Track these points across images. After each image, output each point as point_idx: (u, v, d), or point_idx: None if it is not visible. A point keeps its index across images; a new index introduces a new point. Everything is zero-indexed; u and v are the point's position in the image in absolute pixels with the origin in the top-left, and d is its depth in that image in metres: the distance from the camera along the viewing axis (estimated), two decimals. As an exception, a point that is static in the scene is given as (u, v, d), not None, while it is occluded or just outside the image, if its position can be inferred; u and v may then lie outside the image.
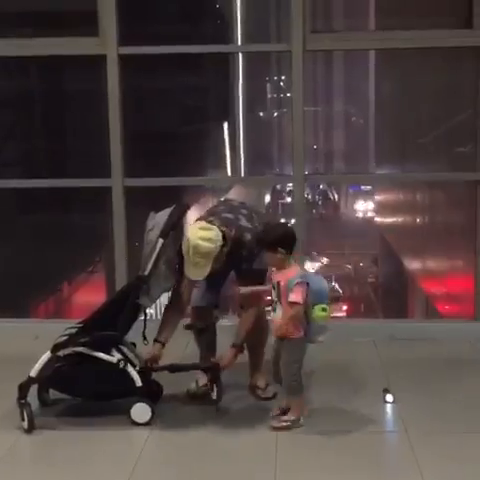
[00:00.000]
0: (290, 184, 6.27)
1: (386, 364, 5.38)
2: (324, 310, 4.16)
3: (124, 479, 3.77)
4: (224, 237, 4.32)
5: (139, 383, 4.37)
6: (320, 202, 54.29)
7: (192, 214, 4.84)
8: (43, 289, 12.64)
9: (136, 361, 4.48)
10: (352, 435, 4.24)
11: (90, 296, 13.62)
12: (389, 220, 33.40)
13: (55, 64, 8.59)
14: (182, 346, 5.19)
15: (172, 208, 4.49)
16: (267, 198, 44.57)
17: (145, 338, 4.54)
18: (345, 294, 32.86)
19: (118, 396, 4.47)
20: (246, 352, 4.75)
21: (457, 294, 15.96)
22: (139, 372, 4.39)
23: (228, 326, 4.98)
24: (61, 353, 4.42)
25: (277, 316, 4.28)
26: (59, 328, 4.55)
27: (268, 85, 57.01)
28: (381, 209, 38.46)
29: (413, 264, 22.45)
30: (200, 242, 4.23)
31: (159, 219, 4.44)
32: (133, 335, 4.54)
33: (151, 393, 4.48)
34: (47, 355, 4.39)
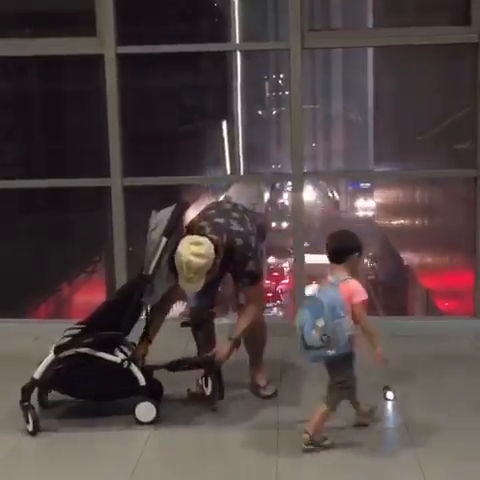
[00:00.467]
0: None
1: (387, 361, 5.37)
2: None
3: (125, 479, 3.77)
4: (216, 248, 4.29)
5: (143, 382, 4.37)
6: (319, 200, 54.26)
7: (191, 212, 4.83)
8: (43, 289, 12.64)
9: (138, 361, 4.48)
10: (353, 432, 4.24)
11: (90, 296, 13.62)
12: (388, 217, 33.41)
13: (53, 64, 8.59)
14: (182, 345, 5.19)
15: (174, 206, 4.48)
16: (264, 197, 44.60)
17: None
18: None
19: (122, 396, 4.47)
20: (246, 351, 4.75)
21: (457, 291, 15.96)
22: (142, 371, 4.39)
23: (227, 325, 4.98)
24: (61, 355, 4.40)
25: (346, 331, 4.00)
26: (59, 328, 4.55)
27: (266, 83, 57.02)
28: (380, 206, 38.47)
29: (413, 261, 22.45)
30: (192, 258, 4.20)
31: (161, 217, 4.43)
32: (131, 335, 4.54)
33: (153, 392, 4.48)
34: (51, 357, 4.37)
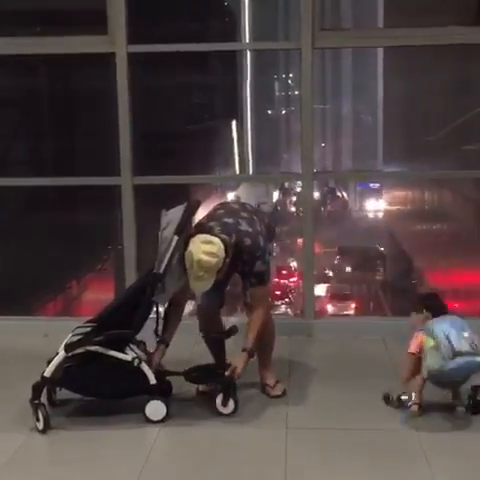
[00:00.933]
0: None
1: (395, 362, 5.38)
2: None
3: (134, 477, 3.78)
4: (225, 248, 4.31)
5: (153, 381, 4.37)
6: (328, 200, 54.23)
7: (202, 211, 4.83)
8: (52, 287, 12.68)
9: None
10: (362, 433, 4.23)
11: (99, 294, 13.66)
12: (397, 217, 33.36)
13: (64, 63, 8.61)
14: (190, 344, 5.20)
15: (185, 205, 4.49)
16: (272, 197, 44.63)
17: (158, 336, 4.54)
18: (353, 292, 32.83)
19: (132, 394, 4.47)
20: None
21: (465, 291, 15.94)
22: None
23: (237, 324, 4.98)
24: (72, 353, 4.40)
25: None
26: (68, 326, 4.56)
27: (276, 83, 57.00)
28: (389, 207, 38.42)
29: (421, 261, 22.42)
30: (203, 257, 4.22)
31: (172, 216, 4.44)
32: (141, 334, 4.54)
33: (162, 391, 4.49)
34: (62, 355, 4.36)
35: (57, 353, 4.40)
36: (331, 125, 61.39)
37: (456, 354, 4.10)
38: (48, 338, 5.67)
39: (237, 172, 32.50)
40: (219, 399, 4.45)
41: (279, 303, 30.02)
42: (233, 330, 4.72)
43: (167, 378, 4.59)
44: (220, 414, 4.44)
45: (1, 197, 7.95)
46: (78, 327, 4.48)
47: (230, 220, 4.51)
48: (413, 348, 4.34)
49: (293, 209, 44.38)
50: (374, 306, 31.30)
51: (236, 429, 4.32)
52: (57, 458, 4.12)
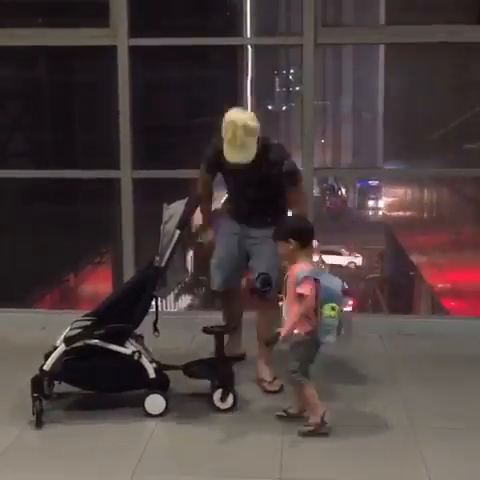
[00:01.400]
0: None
1: (393, 359, 5.38)
2: (333, 309, 4.07)
3: (130, 471, 3.78)
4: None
5: (152, 375, 4.38)
6: (327, 197, 54.16)
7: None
8: (50, 280, 12.66)
9: (146, 353, 4.48)
10: (358, 431, 4.24)
11: (97, 287, 13.65)
12: (396, 215, 33.35)
13: (65, 55, 8.59)
14: (188, 339, 5.20)
15: (187, 199, 4.49)
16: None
17: (156, 329, 4.54)
18: (351, 289, 32.82)
19: (131, 388, 4.48)
20: (258, 342, 4.75)
21: (464, 290, 15.94)
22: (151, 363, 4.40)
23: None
24: (69, 346, 4.40)
25: (284, 315, 4.19)
26: (66, 319, 4.56)
27: (277, 78, 56.88)
28: (388, 204, 38.40)
29: (420, 259, 22.41)
30: (248, 121, 4.38)
31: (174, 211, 4.43)
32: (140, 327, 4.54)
33: (162, 385, 4.50)
34: (61, 348, 4.36)
35: (54, 346, 4.40)
36: (331, 121, 61.30)
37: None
38: (46, 331, 5.67)
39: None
40: (217, 394, 4.45)
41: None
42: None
43: (164, 372, 4.59)
44: (218, 409, 4.44)
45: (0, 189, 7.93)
46: (76, 320, 4.47)
47: None
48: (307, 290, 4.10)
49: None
50: (371, 303, 31.32)
51: (234, 424, 4.33)
52: (54, 451, 4.10)
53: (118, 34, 5.98)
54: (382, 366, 5.25)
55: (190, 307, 16.63)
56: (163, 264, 4.38)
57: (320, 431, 4.13)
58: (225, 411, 4.43)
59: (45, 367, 4.35)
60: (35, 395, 4.30)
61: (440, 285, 18.76)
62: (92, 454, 4.01)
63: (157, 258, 4.40)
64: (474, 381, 4.96)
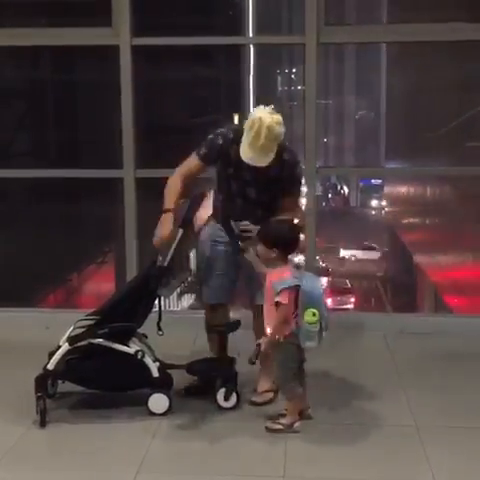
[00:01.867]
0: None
1: (396, 358, 5.38)
2: (314, 315, 4.04)
3: (132, 471, 3.78)
4: None
5: (156, 374, 4.38)
6: (330, 195, 54.22)
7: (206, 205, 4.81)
8: (54, 279, 12.68)
9: (149, 352, 4.49)
10: (361, 430, 4.23)
11: (100, 286, 13.67)
12: (399, 213, 33.33)
13: (68, 54, 8.60)
14: (191, 338, 5.20)
15: (190, 198, 4.48)
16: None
17: (160, 329, 4.53)
18: (354, 287, 32.84)
19: (135, 387, 4.48)
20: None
21: (468, 288, 15.94)
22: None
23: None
24: (75, 345, 4.39)
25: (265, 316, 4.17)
26: (70, 318, 4.56)
27: (279, 77, 56.88)
28: (391, 203, 38.39)
29: (423, 258, 22.40)
30: (275, 124, 4.15)
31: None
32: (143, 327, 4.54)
33: (165, 384, 4.50)
34: (65, 347, 4.36)
35: (58, 346, 4.40)
36: (333, 120, 61.29)
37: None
38: (49, 330, 5.67)
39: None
40: (221, 393, 4.45)
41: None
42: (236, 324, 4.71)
43: (168, 371, 4.59)
44: (221, 408, 4.44)
45: (3, 188, 7.94)
46: (80, 320, 4.47)
47: None
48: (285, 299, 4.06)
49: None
50: (374, 301, 31.33)
51: (237, 422, 4.33)
52: (58, 450, 4.11)
53: (120, 33, 5.98)
54: (385, 365, 5.24)
55: (192, 306, 16.65)
56: (166, 263, 4.38)
57: (286, 432, 4.16)
58: (228, 410, 4.43)
59: (49, 366, 4.36)
60: (39, 394, 4.30)
61: (443, 282, 18.76)
62: (96, 453, 4.01)
63: (160, 257, 4.40)
64: (478, 380, 4.96)
